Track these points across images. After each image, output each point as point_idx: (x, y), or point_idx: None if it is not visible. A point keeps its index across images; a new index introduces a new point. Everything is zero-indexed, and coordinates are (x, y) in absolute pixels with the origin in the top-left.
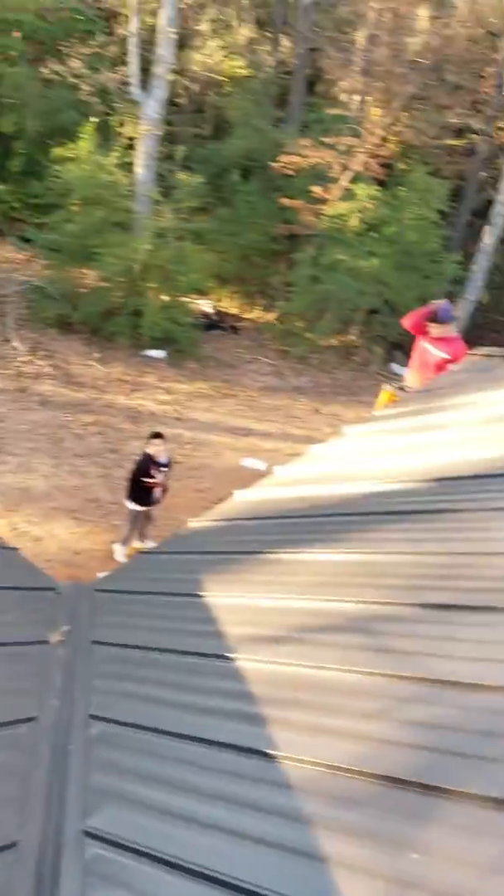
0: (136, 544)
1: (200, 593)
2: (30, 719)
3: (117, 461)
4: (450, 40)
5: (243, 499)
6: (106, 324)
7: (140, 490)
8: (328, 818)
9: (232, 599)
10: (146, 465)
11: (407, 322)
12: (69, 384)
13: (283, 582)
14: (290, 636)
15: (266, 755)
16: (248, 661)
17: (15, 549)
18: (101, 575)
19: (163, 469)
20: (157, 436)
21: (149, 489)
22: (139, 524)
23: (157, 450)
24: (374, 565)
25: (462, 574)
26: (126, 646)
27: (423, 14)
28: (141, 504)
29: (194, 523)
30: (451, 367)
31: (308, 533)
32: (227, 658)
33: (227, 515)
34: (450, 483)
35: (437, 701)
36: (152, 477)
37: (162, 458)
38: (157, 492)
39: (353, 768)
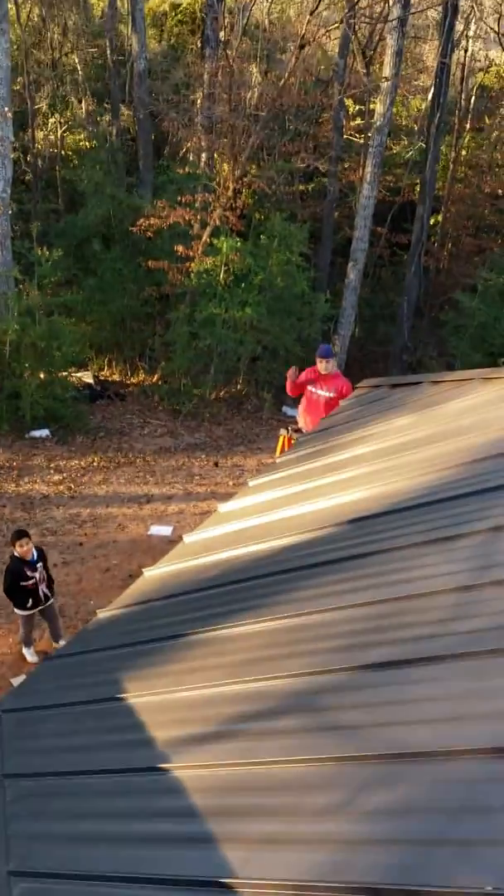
0: (53, 645)
1: (120, 695)
2: None
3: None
4: (284, 90)
5: (153, 575)
6: None
7: (22, 595)
8: None
9: (156, 696)
10: (19, 568)
11: (289, 390)
12: None
13: (210, 666)
14: (225, 730)
15: (223, 886)
16: (185, 769)
17: None
18: (14, 681)
19: (37, 566)
20: (21, 535)
21: (30, 590)
22: (35, 625)
23: (24, 550)
24: (303, 629)
25: (396, 623)
26: (42, 774)
27: (254, 69)
28: (30, 608)
29: (103, 613)
30: (340, 402)
31: (228, 604)
32: (161, 770)
33: (139, 598)
34: (364, 524)
35: (399, 780)
36: (29, 578)
37: (31, 557)
38: (41, 589)
39: (321, 883)
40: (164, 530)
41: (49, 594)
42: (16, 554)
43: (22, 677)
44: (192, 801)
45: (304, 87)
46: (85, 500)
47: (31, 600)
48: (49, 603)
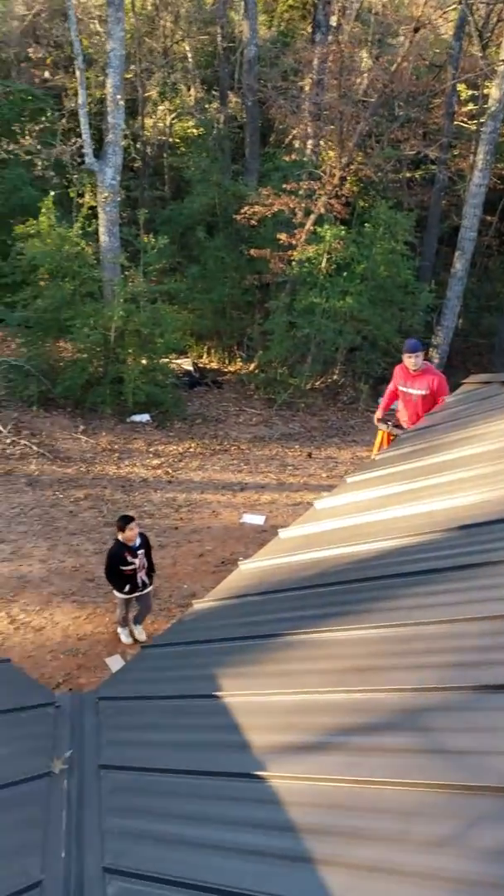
0: (136, 632)
1: (215, 693)
2: (34, 886)
3: (113, 534)
4: (395, 76)
5: (250, 568)
6: (88, 395)
7: (121, 579)
8: None
9: (252, 698)
10: (119, 552)
11: (383, 406)
12: (56, 460)
13: (308, 671)
14: (327, 742)
15: None
16: (283, 780)
17: (7, 660)
18: (108, 661)
19: (138, 552)
20: (128, 520)
21: (128, 576)
22: (132, 609)
23: (129, 535)
24: (409, 640)
25: None
26: (137, 769)
27: (365, 55)
28: (128, 592)
29: (200, 604)
30: (441, 399)
31: (326, 606)
32: (258, 777)
33: (234, 591)
34: (474, 531)
35: None
36: (129, 564)
37: (134, 543)
38: (140, 576)
39: None
40: (257, 519)
41: (147, 582)
42: (119, 538)
43: (116, 657)
44: (291, 816)
45: (416, 72)
46: (181, 484)
47: (128, 586)
48: (146, 591)
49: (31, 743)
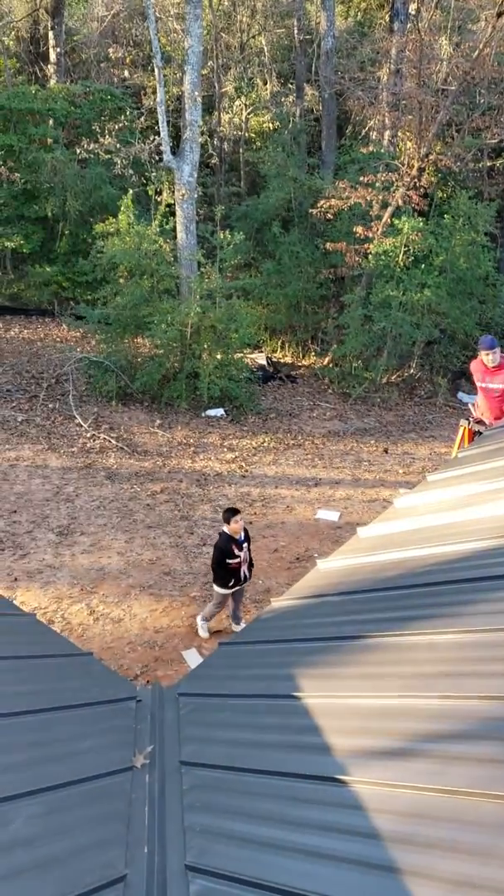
0: (233, 627)
1: (295, 694)
2: (118, 880)
3: (189, 528)
4: (476, 63)
5: (328, 568)
6: (164, 390)
7: (227, 573)
8: None
9: (333, 700)
10: (227, 546)
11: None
12: (134, 454)
13: (390, 675)
14: (410, 748)
15: None
16: (365, 785)
17: (90, 653)
18: (185, 654)
19: (244, 545)
20: (234, 512)
21: (235, 570)
22: (228, 605)
23: (235, 527)
24: (495, 647)
25: None
26: (217, 767)
27: (444, 42)
28: (231, 586)
29: (277, 602)
30: None
31: (409, 609)
32: (339, 781)
33: (313, 590)
34: None
35: None
36: (236, 557)
37: (240, 536)
38: (243, 570)
39: None
40: (332, 515)
41: (248, 576)
42: (226, 531)
43: (193, 651)
44: (373, 823)
45: (498, 59)
46: (255, 479)
47: (233, 580)
48: (244, 585)
49: (113, 737)
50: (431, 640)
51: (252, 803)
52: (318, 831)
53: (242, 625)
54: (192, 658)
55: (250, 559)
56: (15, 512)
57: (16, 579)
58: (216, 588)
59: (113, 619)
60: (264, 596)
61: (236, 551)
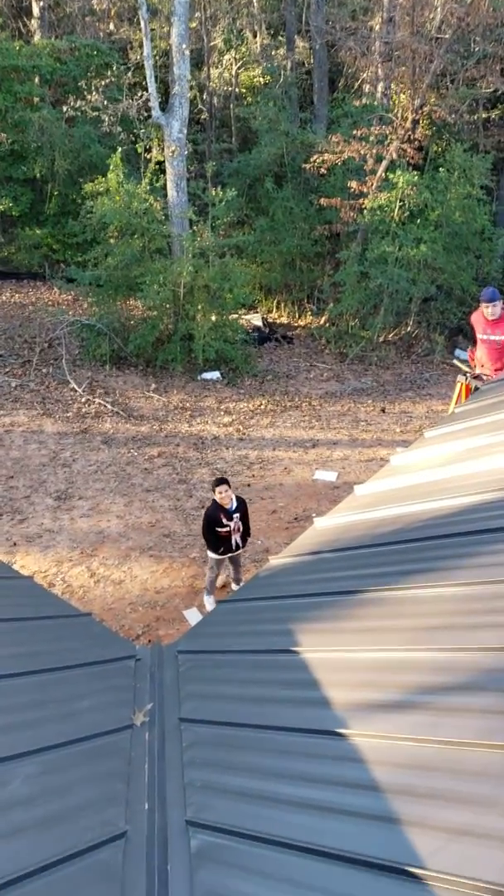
0: (232, 587)
1: (294, 649)
2: (119, 836)
3: (187, 491)
4: (471, 8)
5: (325, 525)
6: (158, 353)
7: (217, 539)
8: None
9: (332, 654)
10: (215, 514)
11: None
12: (130, 419)
13: (388, 628)
14: (408, 700)
15: (411, 875)
16: (365, 738)
17: (89, 614)
18: (186, 613)
19: (234, 515)
20: (222, 482)
21: (225, 538)
22: (224, 571)
23: (222, 497)
24: (493, 599)
25: None
26: (218, 723)
27: None
28: (222, 553)
29: (275, 560)
30: None
31: (407, 563)
32: (339, 735)
33: (310, 548)
34: None
35: None
36: (224, 526)
37: (230, 506)
38: (235, 538)
39: None
40: (329, 476)
41: (241, 544)
42: (216, 500)
43: (194, 610)
44: (372, 775)
45: (493, 4)
46: (253, 442)
47: (222, 547)
48: (238, 552)
49: (112, 695)
50: (431, 593)
51: (252, 758)
52: (318, 784)
53: (212, 598)
54: (193, 617)
55: (246, 529)
56: (12, 477)
57: (15, 544)
58: (209, 553)
59: (114, 581)
60: (263, 556)
61: (224, 520)
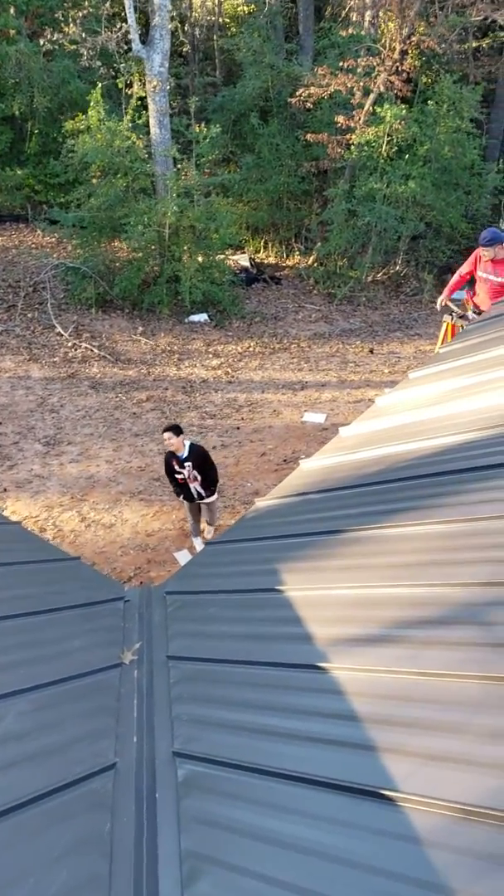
0: (205, 524)
1: (279, 587)
2: (109, 767)
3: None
4: None
5: (311, 467)
6: (145, 295)
7: (176, 485)
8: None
9: (315, 592)
10: (168, 462)
11: (447, 293)
12: (118, 363)
13: (371, 566)
14: (388, 634)
15: (384, 798)
16: (345, 671)
17: (77, 558)
18: (177, 554)
19: (185, 464)
20: (167, 429)
21: (183, 484)
22: (197, 515)
23: (166, 444)
24: (474, 535)
25: None
26: (205, 660)
27: None
28: (186, 498)
29: (262, 502)
30: None
31: (390, 502)
32: (320, 669)
33: (296, 489)
34: None
35: None
36: (178, 473)
37: (181, 453)
38: (194, 486)
39: (492, 811)
40: (318, 417)
41: (203, 494)
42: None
43: (184, 551)
44: (353, 706)
45: None
46: (241, 385)
47: (182, 494)
48: (207, 501)
49: (102, 636)
50: (414, 531)
51: (237, 692)
52: (300, 715)
53: (199, 540)
54: (184, 558)
55: (206, 478)
56: (0, 424)
57: (4, 489)
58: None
59: (104, 524)
60: (253, 497)
61: (177, 467)
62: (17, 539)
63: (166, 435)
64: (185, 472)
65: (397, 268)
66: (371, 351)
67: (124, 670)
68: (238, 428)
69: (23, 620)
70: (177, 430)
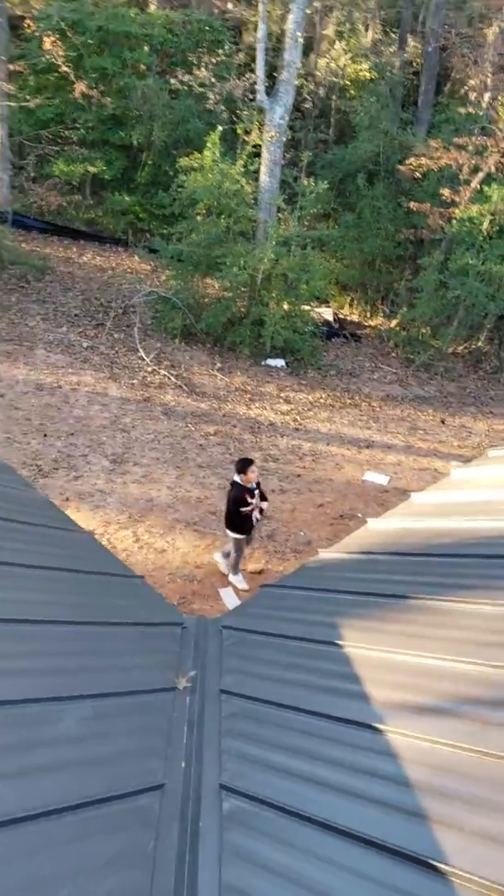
0: (232, 578)
1: (338, 642)
2: (157, 787)
3: None
4: None
5: (379, 527)
6: (228, 333)
7: (240, 519)
8: None
9: (375, 653)
10: (240, 494)
11: None
12: (192, 394)
13: (436, 637)
14: (451, 708)
15: (434, 869)
16: (401, 736)
17: (141, 577)
18: (221, 591)
19: (255, 492)
20: (249, 463)
21: (247, 517)
22: (246, 551)
23: (251, 477)
24: None
25: None
26: (257, 699)
27: None
28: (242, 532)
29: (325, 553)
30: None
31: (460, 577)
32: (376, 729)
33: (362, 547)
34: None
35: None
36: (248, 504)
37: (253, 484)
38: (255, 516)
39: None
40: (380, 479)
41: (259, 518)
42: (238, 480)
43: (229, 589)
44: (406, 771)
45: None
46: (308, 433)
47: (247, 525)
48: (253, 532)
49: (158, 657)
50: (481, 609)
51: (287, 737)
52: (349, 771)
53: (240, 577)
54: (229, 596)
55: (263, 495)
56: (72, 435)
57: (67, 499)
58: (231, 534)
59: (156, 549)
60: (305, 547)
61: (249, 498)
62: (87, 548)
63: (254, 468)
64: (255, 500)
65: (480, 343)
66: (443, 421)
67: (177, 695)
68: (299, 476)
69: (83, 629)
70: (254, 463)
